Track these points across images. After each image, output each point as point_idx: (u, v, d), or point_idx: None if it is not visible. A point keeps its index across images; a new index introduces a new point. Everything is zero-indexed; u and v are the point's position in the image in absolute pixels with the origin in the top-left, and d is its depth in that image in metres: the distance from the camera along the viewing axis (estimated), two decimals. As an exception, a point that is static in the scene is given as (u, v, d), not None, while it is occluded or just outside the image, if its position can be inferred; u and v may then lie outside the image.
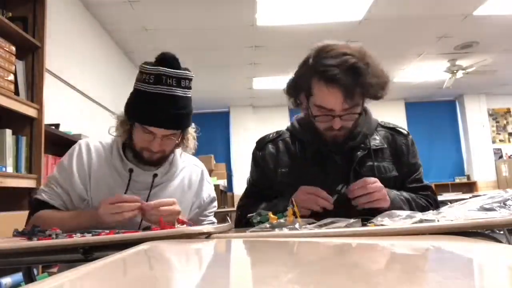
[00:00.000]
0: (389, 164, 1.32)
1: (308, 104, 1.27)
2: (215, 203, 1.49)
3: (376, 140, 1.34)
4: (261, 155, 1.40)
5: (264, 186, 1.38)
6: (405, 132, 1.40)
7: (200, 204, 1.41)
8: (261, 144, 1.43)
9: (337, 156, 1.30)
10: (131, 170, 1.29)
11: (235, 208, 1.52)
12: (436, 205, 1.32)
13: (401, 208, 1.16)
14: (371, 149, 1.31)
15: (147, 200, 1.24)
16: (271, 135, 1.44)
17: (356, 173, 1.28)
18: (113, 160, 1.32)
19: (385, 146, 1.34)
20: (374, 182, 1.17)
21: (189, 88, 1.31)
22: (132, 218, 1.14)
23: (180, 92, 1.26)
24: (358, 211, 1.15)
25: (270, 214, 1.00)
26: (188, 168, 1.42)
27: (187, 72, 1.29)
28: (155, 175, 1.30)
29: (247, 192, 1.44)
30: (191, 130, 1.36)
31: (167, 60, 1.26)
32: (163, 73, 1.23)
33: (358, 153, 1.29)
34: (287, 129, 1.44)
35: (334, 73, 1.16)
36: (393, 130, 1.40)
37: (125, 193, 1.26)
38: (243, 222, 1.33)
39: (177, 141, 1.30)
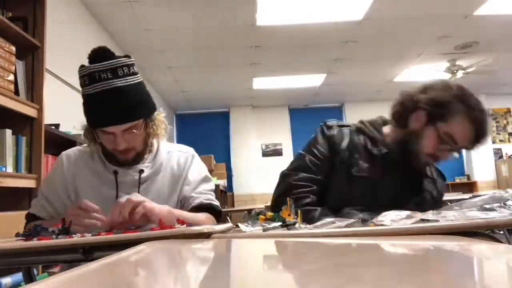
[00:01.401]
0: (438, 193, 1.44)
1: (429, 126, 1.30)
2: (211, 184, 1.42)
3: (432, 173, 1.47)
4: (336, 136, 1.38)
5: (322, 165, 1.35)
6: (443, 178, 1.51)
7: (190, 182, 1.35)
8: (330, 125, 1.42)
9: (410, 175, 1.37)
10: (115, 172, 1.29)
11: (235, 208, 1.51)
12: None
13: None
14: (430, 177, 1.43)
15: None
16: (347, 125, 1.44)
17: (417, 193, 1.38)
18: (95, 165, 1.32)
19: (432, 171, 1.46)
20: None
21: (132, 74, 1.22)
22: (91, 226, 1.07)
23: (120, 82, 1.17)
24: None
25: (261, 216, 1.00)
26: (174, 155, 1.39)
27: (121, 59, 1.20)
28: (141, 171, 1.30)
29: (301, 166, 1.36)
30: (159, 116, 1.32)
31: (97, 55, 1.19)
32: (94, 70, 1.16)
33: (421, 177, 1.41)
34: (356, 128, 1.43)
35: (481, 116, 1.27)
36: (439, 171, 1.50)
37: (116, 195, 1.26)
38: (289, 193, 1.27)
39: (140, 132, 1.25)
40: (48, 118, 2.46)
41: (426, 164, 1.37)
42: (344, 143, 1.36)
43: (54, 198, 1.33)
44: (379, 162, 1.35)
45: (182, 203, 1.34)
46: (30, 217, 1.32)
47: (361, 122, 1.45)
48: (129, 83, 1.20)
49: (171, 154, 1.39)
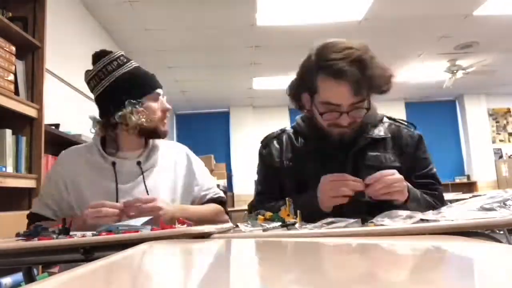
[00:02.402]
0: (391, 155, 1.29)
1: (312, 103, 1.25)
2: (211, 176, 1.55)
3: (380, 131, 1.32)
4: (267, 152, 1.39)
5: (272, 183, 1.36)
6: (412, 127, 1.38)
7: (198, 182, 1.45)
8: (266, 140, 1.43)
9: (340, 151, 1.27)
10: (113, 163, 1.33)
11: (235, 208, 1.54)
12: (440, 202, 1.28)
13: (417, 205, 1.15)
14: (373, 138, 1.29)
15: (145, 186, 1.31)
16: (275, 132, 1.44)
17: (355, 164, 1.26)
18: (93, 158, 1.36)
19: (389, 136, 1.32)
20: (392, 174, 1.13)
21: None
22: (111, 217, 1.16)
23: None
24: (370, 205, 1.14)
25: (260, 216, 1.00)
26: (170, 150, 1.46)
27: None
28: (139, 163, 1.35)
29: (257, 191, 1.42)
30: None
31: (107, 51, 1.40)
32: (122, 54, 1.39)
33: (362, 142, 1.27)
34: (291, 127, 1.44)
35: (340, 66, 1.13)
36: (399, 122, 1.38)
37: (115, 186, 1.30)
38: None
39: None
40: (48, 118, 2.47)
41: (341, 135, 1.24)
42: (276, 154, 1.37)
43: (55, 195, 1.35)
44: (305, 153, 1.32)
45: (193, 202, 1.43)
46: (32, 216, 1.34)
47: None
48: None
49: (166, 149, 1.45)
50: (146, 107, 1.34)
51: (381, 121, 1.36)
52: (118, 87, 1.33)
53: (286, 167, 1.33)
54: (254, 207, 1.34)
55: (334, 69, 1.14)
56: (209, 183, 1.49)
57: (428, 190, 1.29)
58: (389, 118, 1.39)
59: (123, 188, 1.30)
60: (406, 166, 1.29)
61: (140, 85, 1.36)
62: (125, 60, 1.37)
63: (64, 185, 1.34)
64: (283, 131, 1.43)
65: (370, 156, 1.27)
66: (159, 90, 1.39)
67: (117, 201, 1.24)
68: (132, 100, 1.32)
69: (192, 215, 1.27)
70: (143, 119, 1.32)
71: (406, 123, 1.39)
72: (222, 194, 1.50)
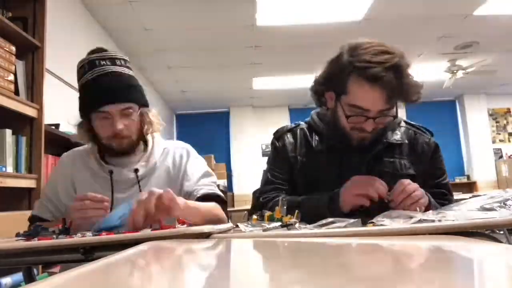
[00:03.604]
0: (407, 162, 1.28)
1: (337, 102, 1.21)
2: (213, 177, 1.42)
3: (397, 135, 1.30)
4: (281, 143, 1.36)
5: (285, 175, 1.34)
6: (429, 133, 1.36)
7: (190, 178, 1.35)
8: (279, 133, 1.40)
9: (355, 152, 1.24)
10: (111, 172, 1.29)
11: (235, 208, 1.51)
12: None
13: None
14: (390, 143, 1.27)
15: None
16: (289, 126, 1.41)
17: (371, 168, 1.24)
18: (91, 165, 1.33)
19: (406, 142, 1.30)
20: (409, 184, 1.12)
21: (128, 68, 1.31)
22: (97, 218, 1.04)
23: (118, 69, 1.26)
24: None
25: (254, 217, 1.01)
26: (170, 152, 1.40)
27: (118, 53, 1.31)
28: (136, 170, 1.30)
29: (266, 179, 1.37)
30: (153, 112, 1.36)
31: (97, 49, 1.30)
32: (94, 58, 1.25)
33: (379, 146, 1.26)
34: (306, 122, 1.40)
35: (377, 70, 1.09)
36: (416, 128, 1.36)
37: (111, 195, 1.26)
38: (261, 207, 1.26)
39: (135, 117, 1.28)
40: (48, 118, 2.46)
41: (361, 140, 1.21)
42: (290, 148, 1.34)
43: (56, 198, 1.34)
44: (319, 151, 1.29)
45: (185, 199, 1.32)
46: (32, 218, 1.33)
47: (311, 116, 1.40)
48: (126, 71, 1.29)
49: (167, 151, 1.40)
50: (94, 124, 1.27)
51: (399, 124, 1.33)
52: (79, 97, 1.29)
53: (299, 162, 1.31)
54: (262, 193, 1.32)
55: (371, 73, 1.09)
56: (205, 181, 1.37)
57: (441, 200, 1.27)
58: (406, 123, 1.37)
59: (119, 197, 1.27)
60: (420, 173, 1.28)
61: (86, 100, 1.26)
62: (90, 67, 1.25)
63: (62, 189, 1.34)
64: (297, 125, 1.40)
65: (386, 162, 1.26)
66: (111, 107, 1.22)
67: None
68: (81, 114, 1.29)
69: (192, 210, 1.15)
70: (91, 137, 1.29)
71: (423, 129, 1.37)
72: (219, 192, 1.38)
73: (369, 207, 1.12)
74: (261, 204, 1.28)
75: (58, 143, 2.65)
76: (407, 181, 1.13)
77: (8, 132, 2.13)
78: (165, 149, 1.40)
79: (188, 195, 1.31)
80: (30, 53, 2.37)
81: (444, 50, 5.64)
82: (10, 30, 2.16)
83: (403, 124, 1.36)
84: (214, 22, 4.45)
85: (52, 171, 1.47)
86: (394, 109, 1.18)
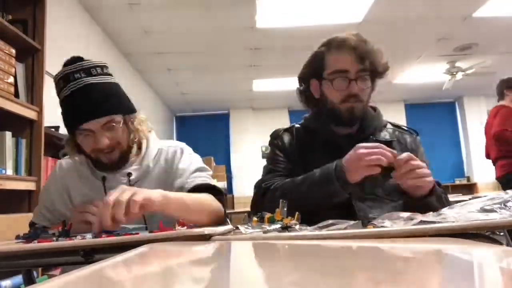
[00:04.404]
0: None
1: (321, 84, 1.34)
2: (208, 172, 1.35)
3: (386, 136, 1.37)
4: (278, 141, 1.42)
5: (285, 165, 1.36)
6: (413, 132, 1.44)
7: (181, 173, 1.29)
8: (276, 133, 1.46)
9: (347, 147, 1.26)
10: (103, 178, 1.28)
11: (235, 210, 1.50)
12: (448, 204, 1.26)
13: (437, 200, 1.16)
14: (379, 141, 1.29)
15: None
16: (284, 127, 1.48)
17: None
18: (85, 172, 1.31)
19: (394, 140, 1.36)
20: (415, 160, 1.13)
21: (106, 74, 1.24)
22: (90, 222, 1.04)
23: (93, 80, 1.20)
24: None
25: (254, 218, 1.01)
26: (163, 152, 1.35)
27: (94, 61, 1.23)
28: (129, 174, 1.27)
29: (267, 170, 1.38)
30: (140, 117, 1.30)
31: (71, 60, 1.23)
32: (68, 71, 1.19)
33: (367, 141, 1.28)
34: (299, 124, 1.47)
35: (342, 38, 1.30)
36: (401, 129, 1.43)
37: None
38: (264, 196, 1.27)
39: (120, 128, 1.23)
40: (48, 121, 2.47)
41: (351, 112, 1.30)
42: (287, 143, 1.40)
43: (51, 206, 1.34)
44: (314, 146, 1.35)
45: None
46: (33, 225, 1.32)
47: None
48: (103, 81, 1.22)
49: (161, 151, 1.36)
50: (78, 140, 1.23)
51: (385, 126, 1.40)
52: (61, 112, 1.24)
53: (297, 157, 1.36)
54: (263, 181, 1.33)
55: (338, 41, 1.30)
56: (198, 174, 1.31)
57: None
58: (392, 124, 1.44)
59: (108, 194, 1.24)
60: None
61: (66, 118, 1.22)
62: (64, 82, 1.19)
63: (59, 195, 1.33)
64: (292, 126, 1.47)
65: None
66: (90, 124, 1.17)
67: None
68: (67, 129, 1.25)
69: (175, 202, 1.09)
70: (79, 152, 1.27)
71: (408, 128, 1.45)
72: (213, 182, 1.32)
73: (377, 176, 1.13)
74: (264, 190, 1.29)
75: (58, 146, 2.63)
76: (413, 157, 1.13)
77: (8, 134, 2.13)
78: (159, 149, 1.35)
79: (180, 190, 1.25)
80: (30, 56, 2.38)
81: (444, 52, 5.65)
82: (10, 33, 2.17)
83: (389, 126, 1.43)
84: (213, 24, 4.46)
85: (48, 178, 1.43)
86: (369, 79, 1.31)
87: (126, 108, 1.26)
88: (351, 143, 1.24)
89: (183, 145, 1.40)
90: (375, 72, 1.32)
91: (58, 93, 1.23)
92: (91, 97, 1.17)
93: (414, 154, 1.30)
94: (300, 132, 1.42)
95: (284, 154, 1.39)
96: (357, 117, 1.32)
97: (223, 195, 1.31)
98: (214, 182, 1.33)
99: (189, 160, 1.34)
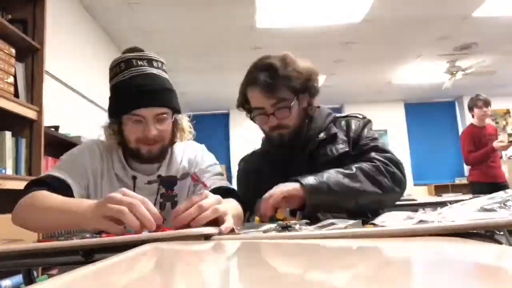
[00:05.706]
0: (341, 144, 1.37)
1: (251, 115, 1.42)
2: (220, 171, 1.39)
3: (330, 131, 1.41)
4: (240, 172, 1.59)
5: (251, 196, 1.34)
6: (361, 116, 1.48)
7: (206, 173, 1.31)
8: (240, 162, 1.63)
9: (295, 156, 1.39)
10: (134, 178, 1.25)
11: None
12: (388, 163, 1.28)
13: (328, 189, 1.18)
14: (323, 139, 1.38)
15: (155, 203, 1.16)
16: (246, 155, 1.64)
17: (310, 164, 1.34)
18: (115, 166, 1.26)
19: (336, 131, 1.41)
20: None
21: (164, 71, 1.27)
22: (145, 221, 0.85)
23: (155, 71, 1.21)
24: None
25: (256, 218, 1.01)
26: (186, 152, 1.36)
27: (155, 55, 1.27)
28: (159, 177, 1.25)
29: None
30: (186, 119, 1.34)
31: (134, 48, 1.25)
32: (132, 57, 1.20)
33: (309, 145, 1.38)
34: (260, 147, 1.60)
35: (253, 75, 1.34)
36: (349, 116, 1.47)
37: None
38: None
39: (169, 124, 1.22)
40: (48, 120, 2.47)
41: (280, 138, 1.37)
42: (247, 173, 1.55)
43: (82, 175, 1.22)
44: (267, 164, 1.47)
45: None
46: (36, 182, 1.20)
47: None
48: (162, 75, 1.24)
49: (183, 151, 1.36)
50: (124, 127, 1.20)
51: (331, 122, 1.44)
52: (111, 96, 1.23)
53: (257, 182, 1.41)
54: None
55: (249, 78, 1.36)
56: (220, 177, 1.33)
57: (365, 160, 1.30)
58: (342, 117, 1.49)
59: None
60: (352, 146, 1.38)
61: (120, 101, 1.19)
62: (126, 66, 1.18)
63: (82, 174, 1.21)
64: (253, 151, 1.62)
65: (321, 153, 1.37)
66: (146, 110, 1.15)
67: None
68: (111, 115, 1.22)
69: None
70: (120, 139, 1.22)
71: (355, 115, 1.49)
72: (233, 187, 1.35)
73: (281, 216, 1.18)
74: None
75: (58, 145, 2.65)
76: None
77: (8, 134, 2.13)
78: (180, 152, 1.35)
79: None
80: (30, 55, 2.38)
81: (444, 51, 5.65)
82: (10, 33, 2.17)
83: (337, 119, 1.47)
84: (213, 24, 4.46)
85: (74, 153, 1.27)
86: (294, 103, 1.34)
87: (178, 106, 1.28)
88: (299, 149, 1.38)
89: (200, 148, 1.43)
90: (295, 91, 1.33)
91: (113, 77, 1.21)
92: (152, 84, 1.18)
93: (355, 133, 1.40)
94: (257, 156, 1.57)
95: (247, 184, 1.52)
96: (289, 140, 1.37)
97: (242, 201, 1.25)
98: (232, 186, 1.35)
99: (212, 161, 1.40)
